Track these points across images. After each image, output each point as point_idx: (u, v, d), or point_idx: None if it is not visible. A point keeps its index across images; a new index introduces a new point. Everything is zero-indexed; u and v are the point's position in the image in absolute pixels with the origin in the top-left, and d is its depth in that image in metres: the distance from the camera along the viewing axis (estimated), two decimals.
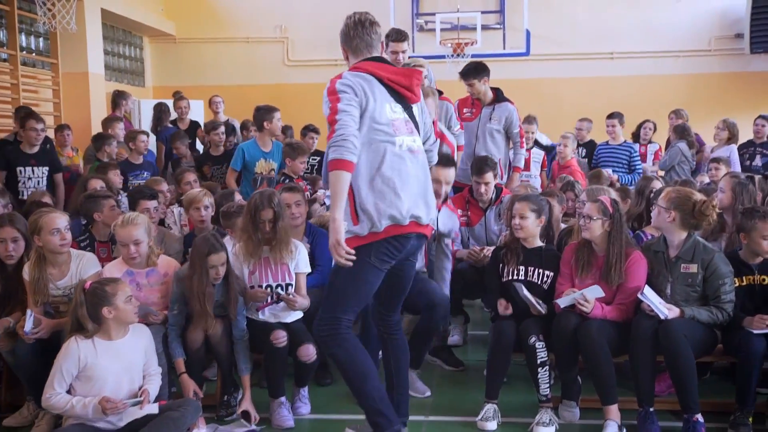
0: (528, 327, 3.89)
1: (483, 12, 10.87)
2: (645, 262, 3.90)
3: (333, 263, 3.16)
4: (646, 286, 3.75)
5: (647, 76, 11.31)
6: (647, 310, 3.67)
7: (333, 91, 3.09)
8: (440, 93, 5.55)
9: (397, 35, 5.48)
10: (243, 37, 11.72)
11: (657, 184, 5.27)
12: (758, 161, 8.00)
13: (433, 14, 10.80)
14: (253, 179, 6.29)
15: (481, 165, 5.12)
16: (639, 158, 7.89)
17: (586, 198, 4.65)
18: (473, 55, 10.36)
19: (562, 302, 3.83)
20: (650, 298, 3.67)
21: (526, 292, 3.94)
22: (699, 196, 3.81)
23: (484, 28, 10.84)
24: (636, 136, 8.78)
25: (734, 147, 7.98)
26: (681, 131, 8.39)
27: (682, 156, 8.13)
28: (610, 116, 8.13)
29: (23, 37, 8.71)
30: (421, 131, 3.33)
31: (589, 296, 3.75)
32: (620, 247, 3.88)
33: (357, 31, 3.27)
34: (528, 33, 10.61)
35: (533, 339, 3.83)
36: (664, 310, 3.64)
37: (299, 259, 4.15)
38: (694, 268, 3.76)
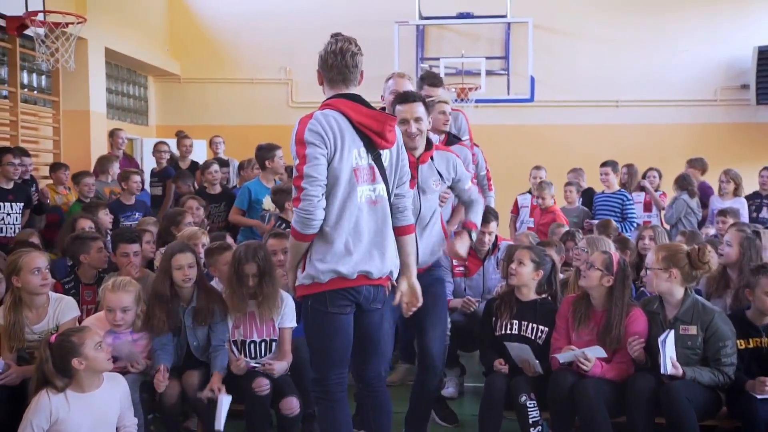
0: (519, 385, 3.73)
1: (488, 58, 10.85)
2: (645, 319, 3.77)
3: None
4: (672, 332, 3.58)
5: (653, 125, 11.23)
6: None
7: (300, 140, 2.98)
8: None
9: (432, 80, 5.23)
10: (247, 78, 11.74)
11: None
12: (765, 213, 7.88)
13: (438, 59, 10.75)
14: (261, 216, 6.21)
15: (485, 214, 5.01)
16: (632, 206, 7.74)
17: (585, 245, 4.52)
18: (477, 101, 10.38)
19: (562, 358, 3.68)
20: (668, 346, 3.51)
21: (520, 351, 3.78)
22: (686, 247, 3.70)
23: (489, 73, 10.81)
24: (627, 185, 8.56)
25: (743, 200, 7.86)
26: (682, 182, 8.26)
27: (688, 208, 8.00)
28: (604, 164, 7.99)
29: (25, 75, 8.69)
30: (392, 178, 3.18)
31: (591, 355, 3.59)
32: (621, 308, 3.76)
33: (336, 61, 3.07)
34: (532, 79, 10.57)
35: (524, 398, 3.67)
36: (669, 366, 3.48)
37: (285, 314, 4.03)
38: (693, 329, 3.61)
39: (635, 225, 7.58)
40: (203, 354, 4.02)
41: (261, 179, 6.38)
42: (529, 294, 3.99)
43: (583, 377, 3.60)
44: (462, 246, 3.82)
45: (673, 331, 3.57)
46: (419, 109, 3.63)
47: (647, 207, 8.32)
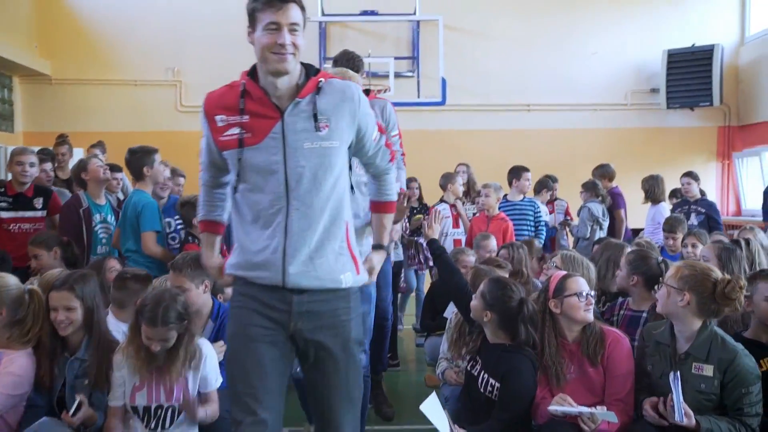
0: None
1: (396, 58, 10.15)
2: (627, 342, 3.16)
3: None
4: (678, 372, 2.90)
5: (564, 130, 10.86)
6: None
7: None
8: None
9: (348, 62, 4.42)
10: (131, 80, 10.55)
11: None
12: (693, 220, 7.52)
13: None
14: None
15: None
16: (542, 214, 7.23)
17: (559, 263, 3.83)
18: None
19: (557, 410, 2.95)
20: (679, 389, 2.82)
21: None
22: (719, 275, 3.00)
23: (397, 75, 10.13)
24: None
25: (663, 205, 7.56)
26: (591, 187, 7.84)
27: (592, 216, 7.57)
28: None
29: None
30: None
31: (601, 418, 2.87)
32: (594, 323, 3.19)
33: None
34: (444, 81, 9.95)
35: None
36: (682, 414, 2.80)
37: (206, 373, 3.17)
38: (709, 370, 2.92)
39: (544, 234, 7.13)
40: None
41: (143, 190, 5.17)
42: (495, 336, 3.22)
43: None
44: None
45: (677, 372, 2.89)
46: (294, 13, 2.49)
47: None
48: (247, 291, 2.57)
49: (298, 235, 2.48)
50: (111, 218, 5.48)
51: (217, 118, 2.54)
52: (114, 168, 6.17)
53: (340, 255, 2.57)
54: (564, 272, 3.40)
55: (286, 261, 2.48)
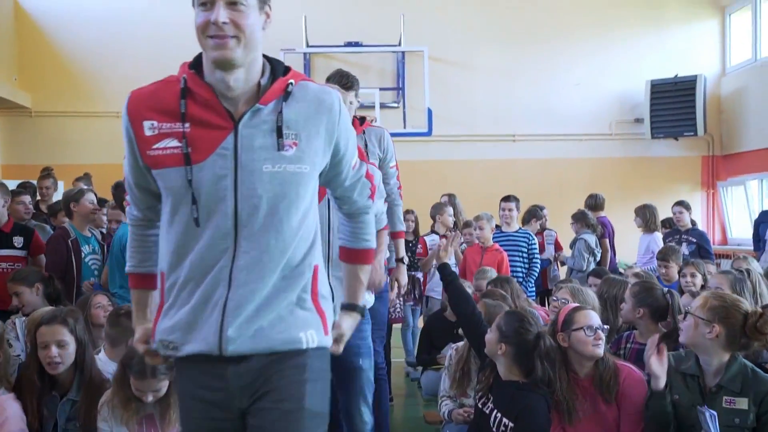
0: None
1: (381, 89, 10.11)
2: (642, 377, 3.05)
3: None
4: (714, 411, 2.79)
5: (550, 160, 10.85)
6: None
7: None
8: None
9: (341, 79, 3.97)
10: (113, 112, 10.37)
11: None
12: (684, 249, 7.47)
13: None
14: None
15: None
16: (537, 247, 7.12)
17: (567, 296, 3.73)
18: None
19: None
20: (717, 426, 2.71)
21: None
22: (749, 307, 2.92)
23: (383, 106, 10.08)
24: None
25: (658, 234, 7.52)
26: (582, 218, 7.80)
27: (588, 247, 7.53)
28: (507, 199, 7.29)
29: None
30: None
31: None
32: (607, 358, 3.09)
33: None
34: (430, 112, 9.91)
35: None
36: None
37: None
38: (743, 403, 2.80)
39: (538, 267, 6.99)
40: None
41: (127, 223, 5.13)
42: (508, 373, 3.09)
43: None
44: None
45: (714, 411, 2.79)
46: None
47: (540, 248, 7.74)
48: (180, 366, 2.00)
49: (245, 287, 1.87)
50: (98, 250, 5.33)
51: (146, 124, 1.93)
52: (101, 202, 6.02)
53: (300, 308, 1.94)
54: (573, 305, 3.30)
55: (225, 321, 1.87)
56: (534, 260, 6.91)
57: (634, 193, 9.81)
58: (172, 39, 10.28)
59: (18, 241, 5.19)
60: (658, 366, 2.85)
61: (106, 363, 3.39)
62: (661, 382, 2.85)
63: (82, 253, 5.12)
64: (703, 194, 11.13)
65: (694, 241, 7.60)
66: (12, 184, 7.44)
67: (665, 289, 3.69)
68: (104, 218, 5.89)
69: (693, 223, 8.14)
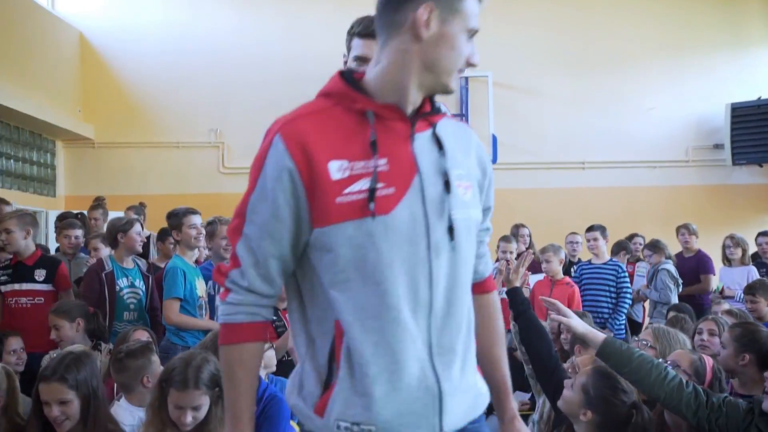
0: None
1: None
2: None
3: None
4: None
5: (621, 188, 10.30)
6: None
7: None
8: None
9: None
10: (173, 142, 10.37)
11: None
12: None
13: None
14: (199, 306, 4.74)
15: None
16: (627, 279, 6.59)
17: (650, 338, 3.27)
18: None
19: None
20: None
21: None
22: None
23: None
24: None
25: (753, 268, 6.87)
26: (661, 248, 7.25)
27: (673, 278, 6.97)
28: (591, 229, 6.85)
29: None
30: None
31: None
32: None
33: None
34: (494, 139, 9.54)
35: None
36: None
37: None
38: None
39: (628, 302, 6.46)
40: None
41: (183, 256, 4.88)
42: None
43: None
44: None
45: None
46: None
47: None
48: None
49: (449, 348, 1.63)
50: (140, 283, 5.08)
51: (334, 165, 1.59)
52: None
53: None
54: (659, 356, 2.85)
55: (442, 387, 1.60)
56: (622, 294, 6.38)
57: (713, 223, 9.17)
58: (232, 70, 10.29)
59: (39, 274, 4.88)
60: None
61: (126, 410, 3.09)
62: None
63: (117, 287, 4.88)
64: None
65: None
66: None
67: None
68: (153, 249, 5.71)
69: None
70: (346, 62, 2.61)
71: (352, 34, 2.43)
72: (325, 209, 1.55)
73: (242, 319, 1.63)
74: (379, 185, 1.56)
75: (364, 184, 1.55)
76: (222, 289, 1.68)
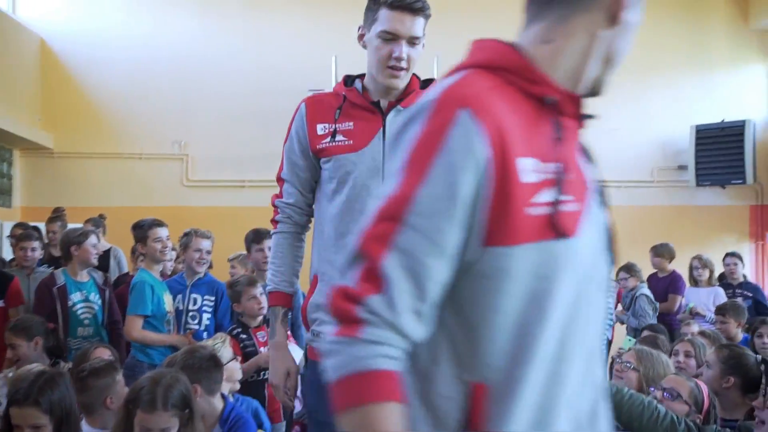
0: None
1: None
2: None
3: None
4: None
5: None
6: None
7: None
8: None
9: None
10: (136, 153, 10.12)
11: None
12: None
13: None
14: (166, 321, 4.56)
15: None
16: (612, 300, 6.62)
17: (632, 360, 3.20)
18: None
19: None
20: None
21: None
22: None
23: None
24: None
25: (721, 289, 6.91)
26: (636, 271, 7.27)
27: (651, 302, 6.99)
28: None
29: None
30: None
31: None
32: None
33: None
34: None
35: None
36: None
37: None
38: None
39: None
40: None
41: (147, 268, 4.71)
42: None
43: None
44: None
45: None
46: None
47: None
48: None
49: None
50: (96, 296, 4.85)
51: (525, 164, 1.27)
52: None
53: None
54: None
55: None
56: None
57: (678, 243, 9.21)
58: (197, 82, 10.11)
59: None
60: None
61: None
62: None
63: (70, 301, 4.67)
64: (752, 245, 10.52)
65: (750, 295, 7.05)
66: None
67: (759, 357, 3.16)
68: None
69: (743, 276, 7.59)
70: (362, 35, 2.38)
71: (380, 2, 2.16)
72: (511, 222, 1.18)
73: (389, 365, 1.12)
74: (565, 198, 1.25)
75: (550, 195, 1.23)
76: (336, 322, 1.17)
